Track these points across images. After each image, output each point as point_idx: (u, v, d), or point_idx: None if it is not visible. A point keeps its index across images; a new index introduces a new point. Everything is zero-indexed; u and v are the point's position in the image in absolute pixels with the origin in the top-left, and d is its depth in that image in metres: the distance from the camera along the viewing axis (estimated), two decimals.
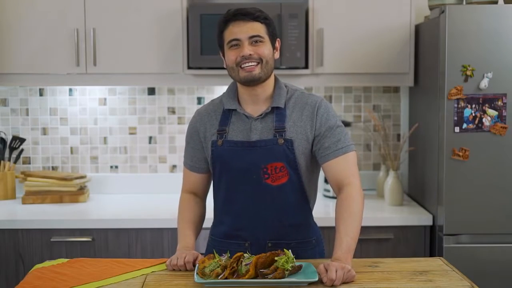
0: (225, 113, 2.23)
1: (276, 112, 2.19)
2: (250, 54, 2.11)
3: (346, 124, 3.58)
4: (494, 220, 2.97)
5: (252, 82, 2.15)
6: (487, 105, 2.93)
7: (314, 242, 2.31)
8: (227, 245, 2.23)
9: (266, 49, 2.13)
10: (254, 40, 2.12)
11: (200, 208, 2.33)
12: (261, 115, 2.19)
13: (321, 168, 2.27)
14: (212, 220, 2.37)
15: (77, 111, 3.70)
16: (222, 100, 2.28)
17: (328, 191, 3.53)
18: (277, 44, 2.22)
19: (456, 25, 2.91)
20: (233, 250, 2.13)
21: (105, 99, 3.70)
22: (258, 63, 2.13)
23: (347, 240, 2.03)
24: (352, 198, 2.10)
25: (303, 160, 2.19)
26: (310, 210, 2.30)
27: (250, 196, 2.19)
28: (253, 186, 2.18)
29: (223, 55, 2.21)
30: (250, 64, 2.12)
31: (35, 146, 3.72)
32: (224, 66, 2.21)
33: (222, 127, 2.21)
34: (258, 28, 2.12)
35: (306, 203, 2.26)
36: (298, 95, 2.24)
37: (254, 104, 2.21)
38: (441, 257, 2.26)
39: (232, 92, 2.25)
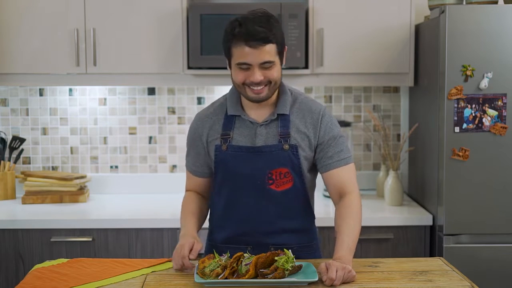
0: (229, 118, 2.21)
1: (281, 118, 2.19)
2: (260, 81, 2.08)
3: (346, 124, 3.58)
4: (494, 220, 2.97)
5: (259, 102, 2.15)
6: (487, 105, 2.93)
7: (315, 247, 2.33)
8: (229, 249, 2.21)
9: (275, 72, 2.10)
10: (265, 66, 2.08)
11: (203, 203, 2.33)
12: (266, 121, 2.18)
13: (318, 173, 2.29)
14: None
15: (77, 111, 3.70)
16: (223, 103, 2.25)
17: None
18: (284, 52, 2.16)
19: (456, 25, 2.91)
20: (235, 253, 2.12)
21: (105, 99, 3.70)
22: (267, 85, 2.11)
23: (348, 241, 2.04)
24: (354, 205, 2.15)
25: (305, 166, 2.20)
26: (313, 215, 2.30)
27: (254, 201, 2.19)
28: (257, 191, 2.18)
29: (229, 65, 2.15)
30: (258, 87, 2.09)
31: (35, 146, 3.72)
32: (228, 69, 2.17)
33: (226, 132, 2.19)
34: (269, 51, 2.06)
35: (309, 207, 2.27)
36: (302, 100, 2.23)
37: (258, 109, 2.20)
38: (441, 257, 2.27)
39: (235, 97, 2.22)
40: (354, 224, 2.10)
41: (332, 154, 2.18)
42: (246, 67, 2.07)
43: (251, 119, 2.19)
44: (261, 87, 2.09)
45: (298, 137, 2.18)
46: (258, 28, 2.04)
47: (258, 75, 2.07)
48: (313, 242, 2.31)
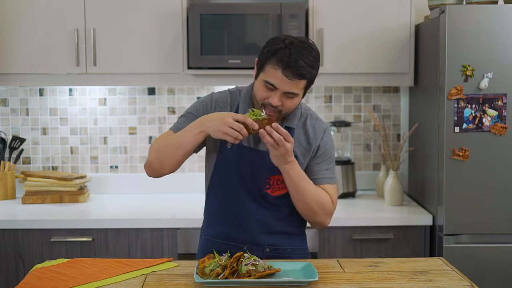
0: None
1: (286, 129, 2.21)
2: (277, 106, 2.12)
3: (346, 124, 3.58)
4: (494, 220, 2.97)
5: None
6: (487, 105, 2.93)
7: (306, 251, 2.37)
8: (226, 246, 2.23)
9: (293, 103, 2.14)
10: (288, 95, 2.12)
11: None
12: None
13: None
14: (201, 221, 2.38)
15: (77, 111, 3.70)
16: (236, 96, 2.27)
17: None
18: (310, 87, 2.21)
19: (456, 25, 2.91)
20: (232, 251, 2.13)
21: (105, 99, 3.70)
22: (280, 111, 2.14)
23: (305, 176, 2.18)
24: (329, 200, 2.23)
25: None
26: (303, 220, 2.33)
27: (251, 202, 2.22)
28: (254, 192, 2.22)
29: (256, 75, 2.18)
30: (272, 109, 2.13)
31: (35, 146, 3.72)
32: (253, 71, 2.21)
33: None
34: (299, 84, 2.10)
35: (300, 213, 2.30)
36: (308, 116, 2.27)
37: None
38: (441, 257, 2.27)
39: (248, 98, 2.25)
40: (318, 192, 2.19)
41: (321, 170, 2.25)
42: (271, 87, 2.10)
43: None
44: (274, 110, 2.13)
45: (299, 151, 2.23)
46: (301, 63, 2.07)
47: (277, 100, 2.11)
48: (304, 246, 2.36)
